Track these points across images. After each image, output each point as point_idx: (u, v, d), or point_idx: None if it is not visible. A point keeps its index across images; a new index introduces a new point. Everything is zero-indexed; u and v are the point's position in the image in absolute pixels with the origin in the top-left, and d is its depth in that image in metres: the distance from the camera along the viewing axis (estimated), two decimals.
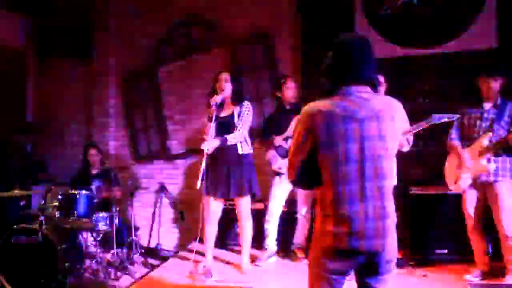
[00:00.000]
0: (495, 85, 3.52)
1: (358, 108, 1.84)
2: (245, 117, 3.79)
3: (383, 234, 1.84)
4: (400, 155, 3.76)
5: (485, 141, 3.47)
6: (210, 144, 3.67)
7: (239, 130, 3.77)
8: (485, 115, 3.56)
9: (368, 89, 1.91)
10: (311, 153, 1.87)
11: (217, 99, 3.72)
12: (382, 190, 1.85)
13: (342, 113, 1.83)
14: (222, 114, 3.84)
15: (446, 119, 3.40)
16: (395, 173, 1.95)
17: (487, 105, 3.58)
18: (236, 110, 3.81)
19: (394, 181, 3.64)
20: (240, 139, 3.78)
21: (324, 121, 1.83)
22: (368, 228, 1.82)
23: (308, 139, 1.86)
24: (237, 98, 3.84)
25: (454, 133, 3.71)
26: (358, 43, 1.95)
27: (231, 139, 3.73)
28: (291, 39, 5.10)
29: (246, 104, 3.83)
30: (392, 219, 1.88)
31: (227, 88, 3.77)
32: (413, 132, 3.52)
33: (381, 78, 3.68)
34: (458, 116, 3.55)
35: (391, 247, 1.88)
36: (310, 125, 1.85)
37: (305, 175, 1.92)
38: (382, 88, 3.69)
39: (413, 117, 3.53)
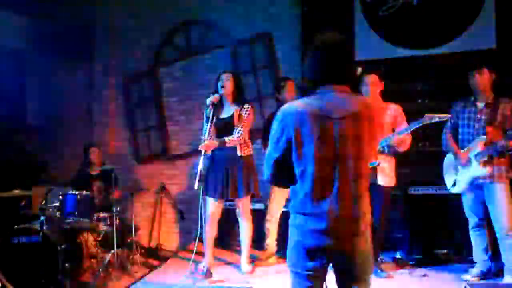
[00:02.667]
0: (481, 80, 3.50)
1: (334, 108, 1.84)
2: (245, 120, 3.79)
3: (353, 234, 1.85)
4: (400, 155, 3.79)
5: (479, 145, 3.46)
6: (209, 144, 3.67)
7: (238, 133, 3.76)
8: (479, 115, 3.53)
9: (347, 89, 1.91)
10: (287, 151, 1.88)
11: (213, 99, 3.72)
12: (354, 190, 1.84)
13: (318, 112, 1.83)
14: (222, 115, 3.85)
15: (437, 119, 3.40)
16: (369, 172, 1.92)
17: (481, 104, 3.56)
18: (237, 112, 3.81)
19: (390, 182, 3.69)
20: (239, 142, 3.78)
21: (299, 120, 1.83)
22: (338, 228, 1.83)
23: (283, 137, 1.87)
24: (237, 99, 3.84)
25: (448, 133, 3.72)
26: (336, 43, 1.93)
27: (229, 141, 3.73)
28: (291, 39, 5.11)
29: (248, 107, 3.84)
30: (365, 220, 1.88)
31: (227, 86, 3.77)
32: (406, 132, 3.53)
33: (373, 78, 3.68)
34: (449, 116, 3.53)
35: (363, 248, 1.88)
36: (286, 124, 1.86)
37: (281, 173, 1.93)
38: (375, 88, 3.68)
39: (413, 117, 3.56)
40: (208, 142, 3.68)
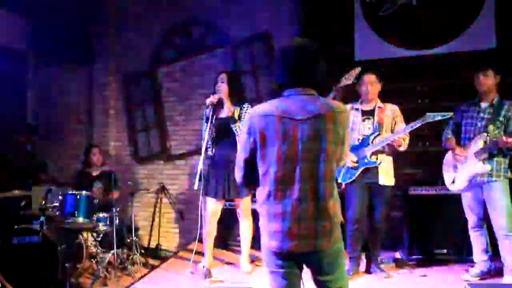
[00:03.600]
0: (486, 80, 3.52)
1: (297, 110, 1.87)
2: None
3: (315, 235, 1.86)
4: (400, 155, 3.79)
5: (480, 142, 3.47)
6: (212, 98, 3.71)
7: (238, 136, 3.76)
8: (482, 114, 3.56)
9: (313, 92, 1.94)
10: (253, 152, 1.92)
11: (212, 99, 3.72)
12: (317, 192, 1.86)
13: (280, 114, 1.87)
14: (221, 116, 3.84)
15: (439, 117, 3.42)
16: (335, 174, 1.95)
17: (484, 104, 3.58)
18: (236, 112, 3.81)
19: (391, 182, 3.69)
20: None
21: (262, 121, 1.88)
22: (300, 229, 1.85)
23: (250, 139, 1.91)
24: (236, 99, 3.84)
25: (450, 130, 3.73)
26: (303, 47, 1.99)
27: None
28: (291, 39, 5.09)
29: (247, 107, 3.83)
30: (330, 220, 1.88)
31: (221, 89, 3.76)
32: (408, 131, 3.54)
33: (372, 77, 3.69)
34: (451, 114, 3.54)
35: (327, 247, 1.88)
36: (250, 126, 1.91)
37: (251, 174, 1.97)
38: (374, 87, 3.69)
39: (413, 117, 3.56)
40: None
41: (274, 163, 1.86)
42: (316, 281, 1.98)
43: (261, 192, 1.93)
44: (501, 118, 3.48)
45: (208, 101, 3.73)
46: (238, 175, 2.02)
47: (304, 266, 1.99)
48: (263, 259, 2.03)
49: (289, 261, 1.92)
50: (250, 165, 1.95)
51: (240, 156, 1.98)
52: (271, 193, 1.88)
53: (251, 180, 1.99)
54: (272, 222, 1.89)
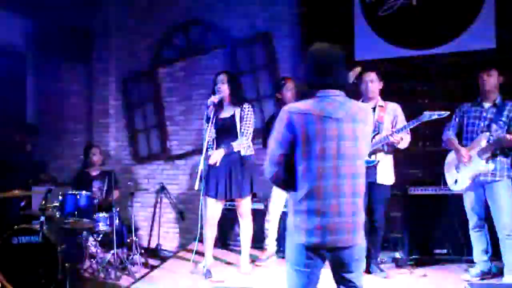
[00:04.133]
0: (490, 80, 3.53)
1: (335, 110, 1.98)
2: (248, 122, 3.80)
3: (352, 230, 1.97)
4: (400, 155, 3.79)
5: (483, 141, 3.48)
6: (217, 156, 3.67)
7: (245, 136, 3.77)
8: (484, 114, 3.57)
9: (343, 93, 2.06)
10: (291, 150, 1.98)
11: (214, 99, 3.72)
12: (354, 188, 1.98)
13: (321, 113, 1.96)
14: (222, 116, 3.84)
15: (436, 116, 3.42)
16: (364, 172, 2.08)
17: (487, 104, 3.59)
18: (237, 112, 3.81)
19: (389, 181, 3.70)
20: (246, 145, 3.79)
21: (303, 120, 1.95)
22: (340, 223, 1.94)
23: (288, 136, 1.97)
24: (236, 99, 3.84)
25: (451, 130, 3.72)
26: (334, 52, 2.10)
27: (237, 146, 3.74)
28: (291, 39, 5.10)
29: (248, 107, 3.83)
30: (361, 217, 2.02)
31: (222, 90, 3.77)
32: (405, 129, 3.53)
33: (372, 76, 3.69)
34: (448, 112, 3.54)
35: (360, 243, 2.02)
36: (289, 123, 1.97)
37: (283, 171, 2.01)
38: (374, 86, 3.69)
39: (413, 117, 3.56)
40: (216, 154, 3.67)
41: (316, 160, 1.93)
42: (340, 279, 2.05)
43: (300, 188, 1.96)
44: (503, 118, 3.49)
45: (209, 101, 3.73)
46: (270, 170, 2.03)
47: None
48: (288, 257, 2.06)
49: (320, 258, 1.99)
50: (285, 162, 1.99)
51: (276, 152, 2.00)
52: (312, 189, 1.94)
53: (282, 176, 2.02)
54: (312, 218, 1.94)
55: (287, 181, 2.02)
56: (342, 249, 1.97)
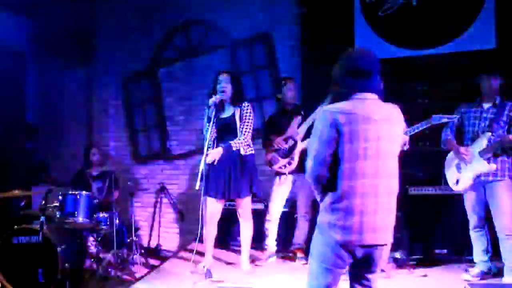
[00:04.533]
0: (495, 83, 3.54)
1: (374, 111, 2.03)
2: (248, 120, 3.80)
3: (388, 229, 2.04)
4: (400, 155, 3.78)
5: (484, 141, 3.48)
6: (215, 154, 3.68)
7: (244, 134, 3.77)
8: (484, 114, 3.57)
9: (377, 97, 2.11)
10: (335, 149, 2.00)
11: (216, 99, 3.72)
12: (390, 188, 2.05)
13: (362, 113, 2.00)
14: (222, 115, 3.84)
15: (445, 120, 3.44)
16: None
17: (486, 105, 3.59)
18: (237, 112, 3.81)
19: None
20: (246, 143, 3.79)
21: (347, 119, 1.98)
22: (377, 222, 1.99)
23: (333, 135, 1.98)
24: (237, 99, 3.84)
25: (450, 131, 3.72)
26: (373, 56, 2.14)
27: (235, 145, 3.74)
28: (291, 39, 5.11)
29: (247, 106, 3.83)
30: (394, 216, 2.09)
31: (227, 90, 3.77)
32: (413, 132, 3.53)
33: None
34: (457, 116, 3.57)
35: (389, 242, 2.08)
36: (333, 122, 1.98)
37: (327, 171, 2.02)
38: None
39: (413, 117, 3.55)
40: (214, 152, 3.68)
41: (359, 160, 1.97)
42: (359, 278, 2.10)
43: (341, 187, 1.98)
44: (504, 118, 3.49)
45: (210, 101, 3.73)
46: (315, 170, 2.04)
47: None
48: (317, 255, 2.07)
49: (349, 258, 2.01)
50: (329, 161, 2.01)
51: (322, 151, 2.01)
52: (353, 188, 1.97)
53: (326, 176, 2.03)
54: (350, 216, 1.97)
55: (329, 180, 2.03)
56: (375, 247, 2.02)
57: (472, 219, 3.63)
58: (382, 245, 2.03)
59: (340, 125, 1.97)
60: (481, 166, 3.46)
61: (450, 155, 3.75)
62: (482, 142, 3.49)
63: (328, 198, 2.04)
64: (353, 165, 1.98)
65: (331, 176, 2.02)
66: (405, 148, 3.60)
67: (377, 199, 2.00)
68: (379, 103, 2.10)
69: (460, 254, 4.00)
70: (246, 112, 3.80)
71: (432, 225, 4.14)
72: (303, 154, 4.09)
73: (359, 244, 1.98)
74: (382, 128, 2.02)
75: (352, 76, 2.08)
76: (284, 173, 4.12)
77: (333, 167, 2.01)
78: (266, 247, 4.21)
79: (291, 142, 4.10)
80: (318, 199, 2.14)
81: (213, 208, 3.82)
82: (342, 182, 1.99)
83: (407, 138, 3.61)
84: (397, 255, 4.05)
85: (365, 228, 1.97)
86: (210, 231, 3.86)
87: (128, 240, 4.61)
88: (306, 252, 4.20)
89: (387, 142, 2.04)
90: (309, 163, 2.06)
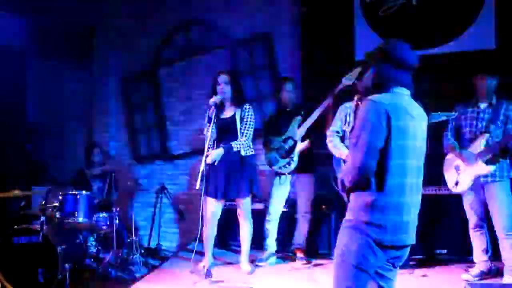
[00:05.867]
0: (491, 84, 3.53)
1: (411, 108, 1.98)
2: (249, 122, 3.80)
3: (415, 228, 2.02)
4: None
5: (482, 143, 3.48)
6: (215, 155, 3.68)
7: (245, 136, 3.77)
8: (481, 115, 3.56)
9: (409, 92, 2.06)
10: (385, 142, 1.88)
11: (216, 99, 3.73)
12: (420, 187, 2.05)
13: (405, 108, 1.94)
14: (223, 116, 3.85)
15: (444, 117, 3.43)
16: None
17: (483, 105, 3.59)
18: (238, 112, 3.81)
19: None
20: (247, 144, 3.79)
21: (396, 113, 1.89)
22: (413, 221, 1.99)
23: (384, 129, 1.87)
24: (237, 99, 3.84)
25: (450, 134, 3.72)
26: (415, 53, 2.09)
27: (236, 146, 3.74)
28: (291, 39, 5.10)
29: (248, 107, 3.83)
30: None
31: (226, 91, 3.78)
32: None
33: None
34: (456, 114, 3.56)
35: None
36: (385, 115, 1.87)
37: (375, 163, 1.89)
38: None
39: None
40: (214, 153, 3.69)
41: (406, 156, 1.91)
42: (385, 275, 2.01)
43: (388, 184, 1.89)
44: (501, 118, 3.49)
45: (211, 101, 3.73)
46: (366, 161, 1.87)
47: None
48: (352, 255, 1.91)
49: (383, 258, 1.93)
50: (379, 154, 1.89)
51: (374, 142, 1.87)
52: (401, 186, 1.92)
53: (374, 170, 1.89)
54: (397, 215, 1.91)
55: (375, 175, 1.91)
56: (407, 247, 1.99)
57: (472, 219, 3.63)
58: (412, 244, 2.01)
59: (391, 119, 1.86)
60: (481, 168, 3.46)
61: (449, 156, 3.75)
62: (481, 144, 3.48)
63: (369, 196, 1.90)
64: (401, 162, 1.90)
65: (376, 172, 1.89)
66: None
67: (415, 197, 2.00)
68: (412, 100, 2.05)
69: (460, 254, 4.00)
70: (247, 114, 3.81)
71: (432, 225, 4.13)
72: (303, 154, 4.09)
73: (401, 244, 1.94)
74: (419, 126, 1.99)
75: (396, 68, 2.00)
76: (284, 173, 4.12)
77: (379, 162, 1.88)
78: (266, 247, 4.21)
79: (291, 142, 4.10)
80: (348, 196, 2.01)
81: (213, 208, 3.82)
82: (388, 179, 1.88)
83: None
84: None
85: (409, 227, 1.95)
86: (210, 231, 3.86)
87: (128, 240, 4.62)
88: (306, 252, 4.21)
89: (422, 140, 2.02)
90: (357, 156, 1.89)
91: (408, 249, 2.02)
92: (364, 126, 1.90)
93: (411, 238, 1.99)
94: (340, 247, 1.96)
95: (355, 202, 1.96)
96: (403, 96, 1.99)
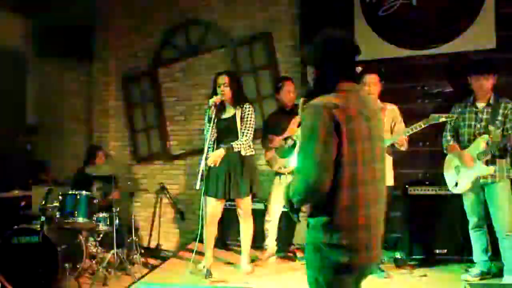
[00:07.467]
0: (487, 83, 3.52)
1: (362, 106, 1.71)
2: (249, 122, 3.80)
3: (380, 244, 1.76)
4: (400, 155, 3.79)
5: (482, 144, 3.47)
6: (216, 157, 3.67)
7: (245, 136, 3.77)
8: (480, 115, 3.55)
9: (359, 87, 1.80)
10: (337, 151, 1.63)
11: (216, 100, 3.73)
12: (382, 194, 1.76)
13: (355, 109, 1.68)
14: (223, 116, 3.85)
15: (444, 119, 3.44)
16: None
17: (481, 104, 3.58)
18: (238, 112, 3.81)
19: (390, 182, 3.69)
20: (247, 145, 3.79)
21: (344, 116, 1.63)
22: (378, 235, 1.73)
23: (333, 136, 1.62)
24: (237, 99, 3.84)
25: (449, 135, 3.71)
26: (352, 41, 1.80)
27: (237, 146, 3.74)
28: (291, 39, 5.10)
29: (248, 107, 3.84)
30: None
31: (226, 92, 3.78)
32: (411, 132, 3.54)
33: (374, 78, 3.70)
34: (456, 115, 3.56)
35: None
36: (333, 121, 1.62)
37: (331, 176, 1.64)
38: (375, 88, 3.69)
39: (413, 117, 3.56)
40: (215, 154, 3.68)
41: (359, 164, 1.65)
42: None
43: (341, 198, 1.64)
44: (500, 117, 3.48)
45: (211, 101, 3.73)
46: (320, 177, 1.61)
47: None
48: (320, 279, 1.73)
49: (359, 274, 1.75)
50: (333, 164, 1.63)
51: (325, 155, 1.61)
52: (355, 197, 1.65)
53: (329, 183, 1.63)
54: (356, 232, 1.66)
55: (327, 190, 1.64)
56: (375, 263, 1.77)
57: (472, 219, 3.64)
58: (378, 260, 1.79)
59: (339, 124, 1.61)
60: (480, 169, 3.46)
61: (449, 157, 3.75)
62: (480, 145, 3.48)
63: (323, 214, 1.68)
64: (354, 172, 1.64)
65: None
66: (403, 148, 3.61)
67: (376, 208, 1.70)
68: (363, 95, 1.79)
69: (460, 254, 4.00)
70: (248, 114, 3.81)
71: (432, 225, 4.13)
72: None
73: (366, 263, 1.70)
74: (373, 126, 1.71)
75: (334, 62, 1.73)
76: (284, 173, 4.12)
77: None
78: (266, 247, 4.21)
79: (290, 142, 4.10)
80: (304, 215, 1.79)
81: (213, 208, 3.83)
82: (342, 192, 1.63)
83: (406, 138, 3.62)
84: (397, 255, 4.05)
85: (372, 244, 1.69)
86: (210, 231, 3.87)
87: (128, 240, 4.62)
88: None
89: (378, 141, 1.74)
90: (307, 171, 1.64)
91: (374, 264, 1.79)
92: (310, 136, 1.64)
93: (380, 254, 1.76)
94: (306, 269, 1.83)
95: (312, 220, 1.75)
96: (352, 93, 1.72)
